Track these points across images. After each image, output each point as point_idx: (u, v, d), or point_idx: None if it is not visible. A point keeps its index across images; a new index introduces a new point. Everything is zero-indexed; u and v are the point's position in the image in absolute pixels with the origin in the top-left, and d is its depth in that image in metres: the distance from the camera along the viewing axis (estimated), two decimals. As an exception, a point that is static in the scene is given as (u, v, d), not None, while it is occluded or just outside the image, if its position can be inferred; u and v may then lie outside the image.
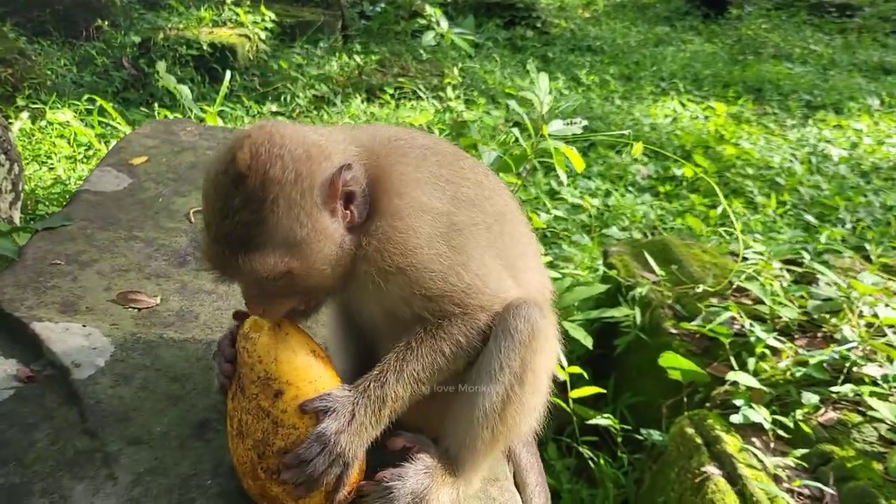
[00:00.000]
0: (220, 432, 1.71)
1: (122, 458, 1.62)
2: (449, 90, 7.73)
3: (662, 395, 3.07)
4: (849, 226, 5.28)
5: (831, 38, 11.63)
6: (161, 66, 5.12)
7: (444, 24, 7.86)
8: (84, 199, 2.66)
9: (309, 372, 1.48)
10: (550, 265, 4.53)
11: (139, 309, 2.13)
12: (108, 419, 1.72)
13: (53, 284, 2.18)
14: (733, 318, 2.96)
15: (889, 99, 8.63)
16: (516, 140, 3.22)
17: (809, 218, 5.31)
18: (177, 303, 2.17)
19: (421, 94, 8.23)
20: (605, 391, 2.94)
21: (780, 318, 2.96)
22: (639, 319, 3.27)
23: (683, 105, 8.49)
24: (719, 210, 5.61)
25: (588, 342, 3.08)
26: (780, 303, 2.94)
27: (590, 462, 2.90)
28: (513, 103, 3.29)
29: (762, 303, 3.03)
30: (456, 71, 8.09)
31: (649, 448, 2.91)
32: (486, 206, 1.65)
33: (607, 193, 6.02)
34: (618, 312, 3.26)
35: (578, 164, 3.17)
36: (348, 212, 1.49)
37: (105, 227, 2.51)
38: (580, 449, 2.92)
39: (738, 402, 2.59)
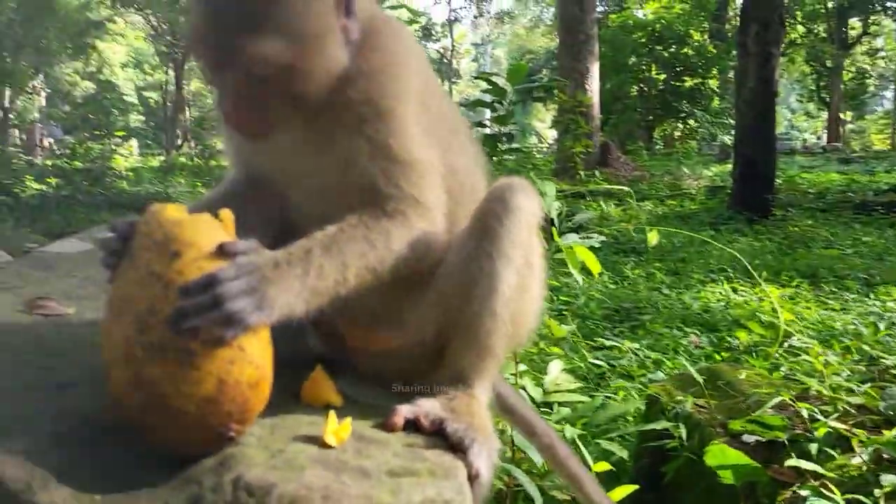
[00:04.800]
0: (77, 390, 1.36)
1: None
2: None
3: (719, 515, 2.57)
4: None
5: (882, 232, 11.53)
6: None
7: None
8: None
9: (215, 234, 1.19)
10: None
11: (46, 315, 1.78)
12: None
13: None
14: (789, 408, 2.56)
15: (952, 281, 8.24)
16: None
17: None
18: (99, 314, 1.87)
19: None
20: (637, 486, 2.48)
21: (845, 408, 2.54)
22: (684, 436, 2.86)
23: (735, 290, 8.30)
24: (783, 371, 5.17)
25: (623, 453, 2.68)
26: (843, 388, 2.54)
27: None
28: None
29: (819, 400, 2.63)
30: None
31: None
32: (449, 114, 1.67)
33: (657, 363, 5.66)
34: (659, 425, 2.87)
35: (594, 266, 3.03)
36: (344, 24, 1.40)
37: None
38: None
39: (805, 492, 2.13)
